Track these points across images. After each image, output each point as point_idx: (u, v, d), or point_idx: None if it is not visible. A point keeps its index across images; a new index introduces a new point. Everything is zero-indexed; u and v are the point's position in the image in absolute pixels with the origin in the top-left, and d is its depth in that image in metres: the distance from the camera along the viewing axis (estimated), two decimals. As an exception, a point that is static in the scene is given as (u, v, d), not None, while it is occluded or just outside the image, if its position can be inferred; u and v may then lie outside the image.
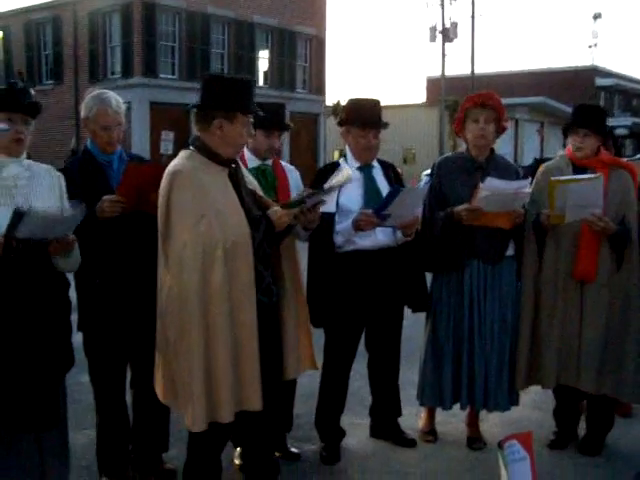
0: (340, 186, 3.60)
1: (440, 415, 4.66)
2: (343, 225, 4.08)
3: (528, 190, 4.15)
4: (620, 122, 40.24)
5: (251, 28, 27.90)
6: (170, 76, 25.69)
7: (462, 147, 4.50)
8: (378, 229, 4.10)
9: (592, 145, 4.24)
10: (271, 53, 29.01)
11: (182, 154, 3.36)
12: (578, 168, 4.23)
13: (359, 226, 4.00)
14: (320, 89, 31.03)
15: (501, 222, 4.15)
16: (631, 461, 4.28)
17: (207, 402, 3.17)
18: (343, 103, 5.07)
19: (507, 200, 4.06)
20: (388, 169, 4.40)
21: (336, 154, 36.79)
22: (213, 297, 3.15)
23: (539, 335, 4.31)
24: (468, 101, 4.34)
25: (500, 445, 3.30)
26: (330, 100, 31.74)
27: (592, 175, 4.06)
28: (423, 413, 4.69)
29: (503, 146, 28.79)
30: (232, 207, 3.26)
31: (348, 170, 3.72)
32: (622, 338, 4.21)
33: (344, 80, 70.39)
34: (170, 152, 19.58)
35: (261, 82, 28.05)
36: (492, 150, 4.39)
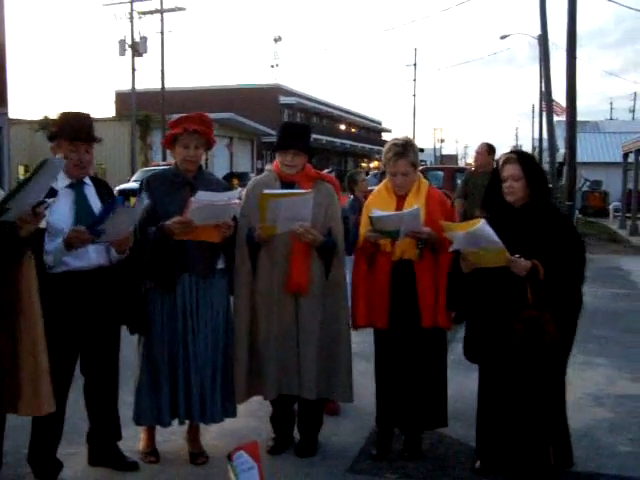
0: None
1: (160, 434, 4.59)
2: (53, 244, 3.87)
3: (237, 201, 4.26)
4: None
5: None
6: None
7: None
8: (91, 248, 3.96)
9: (300, 163, 4.46)
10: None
11: None
12: (286, 182, 4.43)
13: (71, 243, 3.83)
14: (2, 100, 28.96)
15: (211, 236, 4.20)
16: (343, 456, 4.58)
17: None
18: (52, 117, 4.78)
19: (217, 212, 4.11)
20: (101, 186, 4.26)
21: (21, 169, 34.79)
22: None
23: (257, 348, 4.42)
24: (178, 126, 4.31)
25: (229, 457, 3.34)
26: (13, 113, 29.81)
27: (302, 191, 4.25)
28: (142, 434, 4.58)
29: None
30: None
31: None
32: (335, 343, 4.46)
33: (31, 92, 66.87)
34: None
35: None
36: (200, 167, 4.45)
